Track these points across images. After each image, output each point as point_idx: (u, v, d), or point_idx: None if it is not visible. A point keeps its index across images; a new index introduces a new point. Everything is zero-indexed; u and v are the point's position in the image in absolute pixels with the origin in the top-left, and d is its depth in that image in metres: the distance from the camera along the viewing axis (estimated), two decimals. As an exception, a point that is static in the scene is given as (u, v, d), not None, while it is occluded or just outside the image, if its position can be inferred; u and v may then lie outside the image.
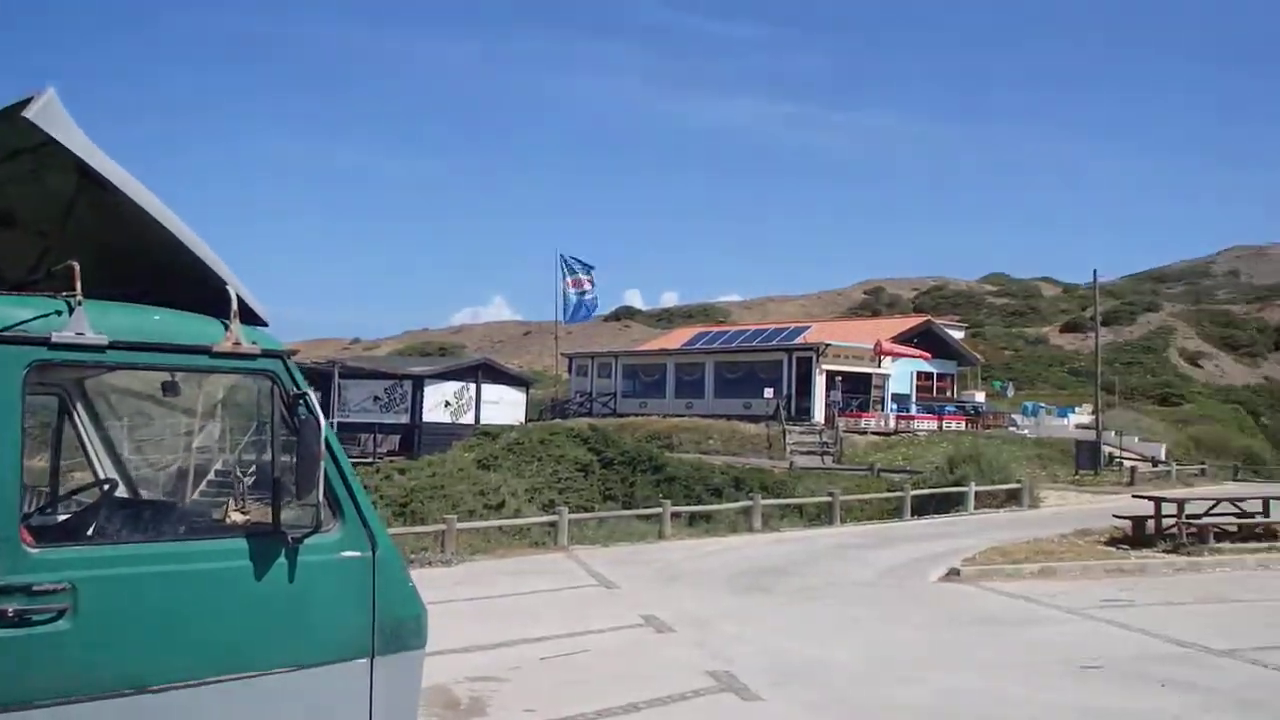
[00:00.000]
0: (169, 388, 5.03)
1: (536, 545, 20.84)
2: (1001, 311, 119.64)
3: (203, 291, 4.47)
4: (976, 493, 30.15)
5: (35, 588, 3.78)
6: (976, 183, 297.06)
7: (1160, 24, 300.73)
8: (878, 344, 53.10)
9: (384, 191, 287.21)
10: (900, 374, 56.53)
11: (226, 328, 4.42)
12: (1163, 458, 50.34)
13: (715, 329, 74.20)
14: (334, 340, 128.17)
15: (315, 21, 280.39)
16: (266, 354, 4.53)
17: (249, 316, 4.55)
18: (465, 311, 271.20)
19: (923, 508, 29.58)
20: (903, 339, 57.31)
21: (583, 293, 60.58)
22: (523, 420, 46.49)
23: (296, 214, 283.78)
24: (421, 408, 48.22)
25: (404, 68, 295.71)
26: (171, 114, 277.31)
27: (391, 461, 35.12)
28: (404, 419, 48.30)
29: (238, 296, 4.45)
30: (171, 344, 4.33)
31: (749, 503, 25.94)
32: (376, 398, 48.57)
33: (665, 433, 46.92)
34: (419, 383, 48.93)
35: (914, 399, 56.99)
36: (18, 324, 3.92)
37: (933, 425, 52.45)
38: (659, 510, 23.77)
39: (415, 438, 46.34)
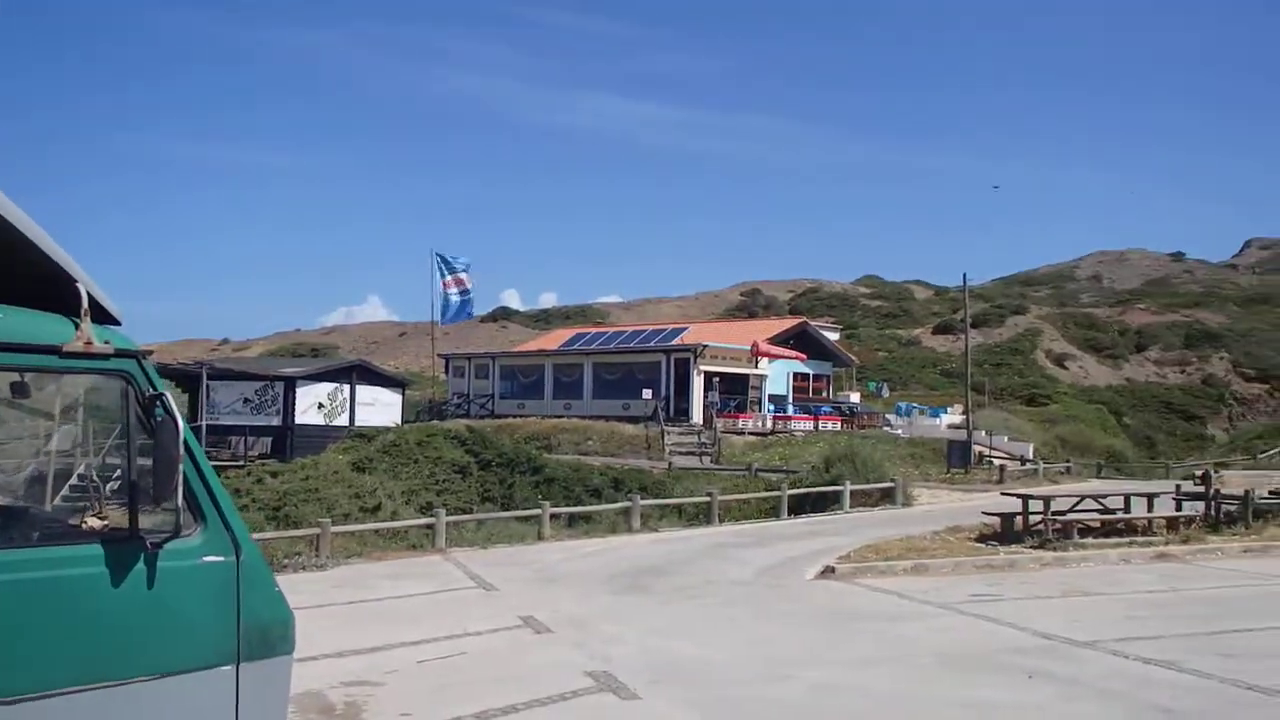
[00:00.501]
0: (18, 389, 4.84)
1: (414, 548, 20.62)
2: (875, 314, 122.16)
3: (50, 289, 4.29)
4: (852, 491, 30.63)
5: None
6: (849, 186, 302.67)
7: (1021, 20, 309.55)
8: (754, 345, 53.62)
9: (254, 187, 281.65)
10: (777, 375, 57.22)
11: (77, 326, 4.24)
12: (1030, 456, 51.70)
13: (594, 330, 74.31)
14: (202, 341, 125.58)
15: (168, 7, 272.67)
16: (120, 354, 4.39)
17: (101, 315, 4.39)
18: (339, 312, 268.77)
19: (799, 507, 29.96)
20: (779, 340, 58.00)
21: (461, 292, 59.93)
22: (399, 422, 45.86)
23: (162, 209, 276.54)
24: (294, 410, 47.32)
25: (267, 58, 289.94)
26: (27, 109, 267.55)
27: (263, 464, 34.36)
28: (275, 421, 47.40)
29: (88, 294, 4.28)
30: (17, 344, 4.17)
31: (628, 503, 25.99)
32: (247, 399, 47.51)
33: (544, 434, 46.79)
34: (291, 384, 48.02)
35: (790, 400, 57.74)
36: None
37: (809, 426, 53.12)
38: (538, 511, 23.68)
39: (288, 440, 45.53)
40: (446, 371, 66.18)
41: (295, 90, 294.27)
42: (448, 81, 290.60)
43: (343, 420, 48.03)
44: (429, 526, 21.41)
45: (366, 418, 47.46)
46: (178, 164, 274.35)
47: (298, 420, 47.07)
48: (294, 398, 47.52)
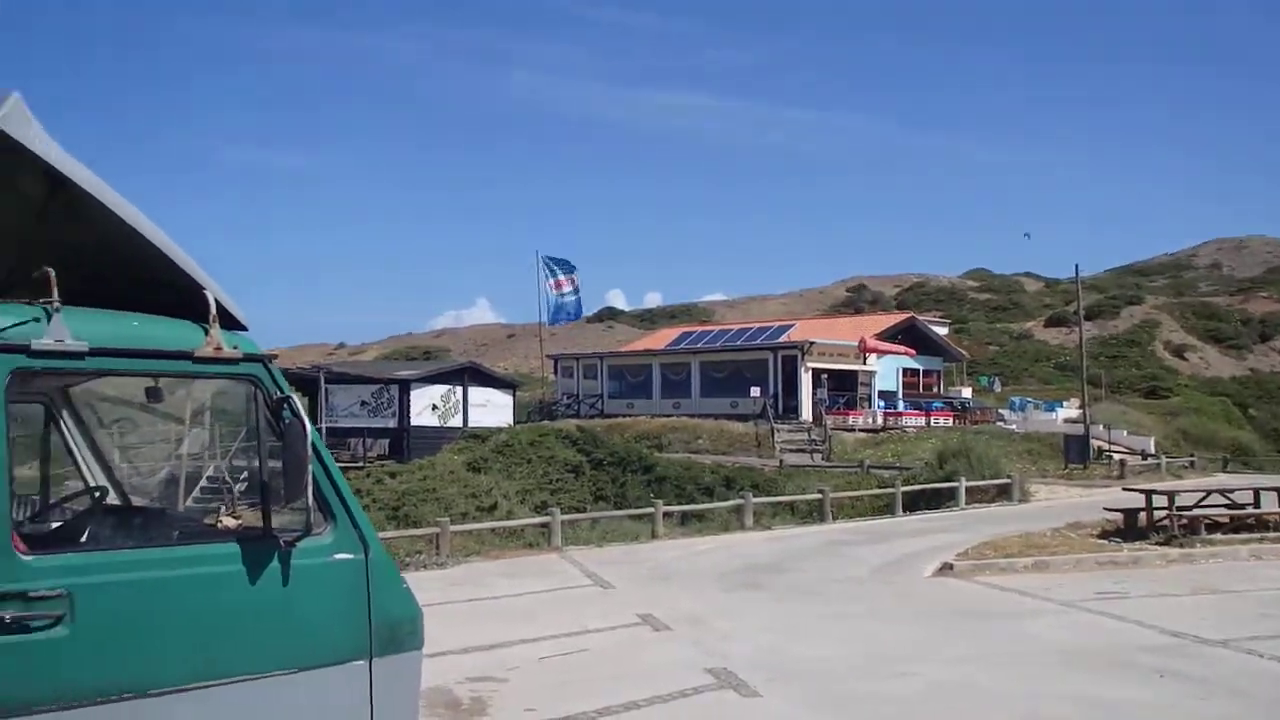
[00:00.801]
0: (153, 394, 5.02)
1: (530, 546, 20.83)
2: (984, 307, 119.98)
3: (180, 297, 4.41)
4: (967, 488, 30.15)
5: (31, 594, 3.76)
6: (954, 180, 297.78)
7: (1134, 21, 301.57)
8: (862, 341, 53.16)
9: (364, 195, 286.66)
10: (886, 371, 56.60)
11: (206, 332, 4.36)
12: (1152, 450, 50.38)
13: (700, 329, 74.26)
14: (318, 346, 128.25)
15: (274, 24, 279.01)
16: (248, 358, 4.49)
17: (228, 321, 4.50)
18: (448, 315, 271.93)
19: (913, 504, 29.58)
20: (887, 336, 57.40)
21: (566, 294, 60.37)
22: (511, 422, 46.38)
23: (276, 220, 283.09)
24: (409, 412, 48.07)
25: (362, 69, 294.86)
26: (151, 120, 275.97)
27: (381, 465, 35.03)
28: (391, 423, 48.20)
29: (216, 301, 4.39)
30: (152, 350, 4.30)
31: (740, 501, 25.93)
32: (364, 402, 48.42)
33: (654, 433, 46.92)
34: (405, 387, 48.80)
35: (901, 396, 57.03)
36: None
37: (921, 422, 52.44)
38: (651, 510, 23.74)
39: (404, 441, 46.25)
40: (555, 372, 66.69)
41: (394, 97, 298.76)
42: (527, 83, 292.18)
43: (456, 421, 48.64)
44: (544, 525, 21.61)
45: (479, 418, 48.03)
46: (287, 173, 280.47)
47: (413, 422, 47.79)
48: (409, 400, 48.26)
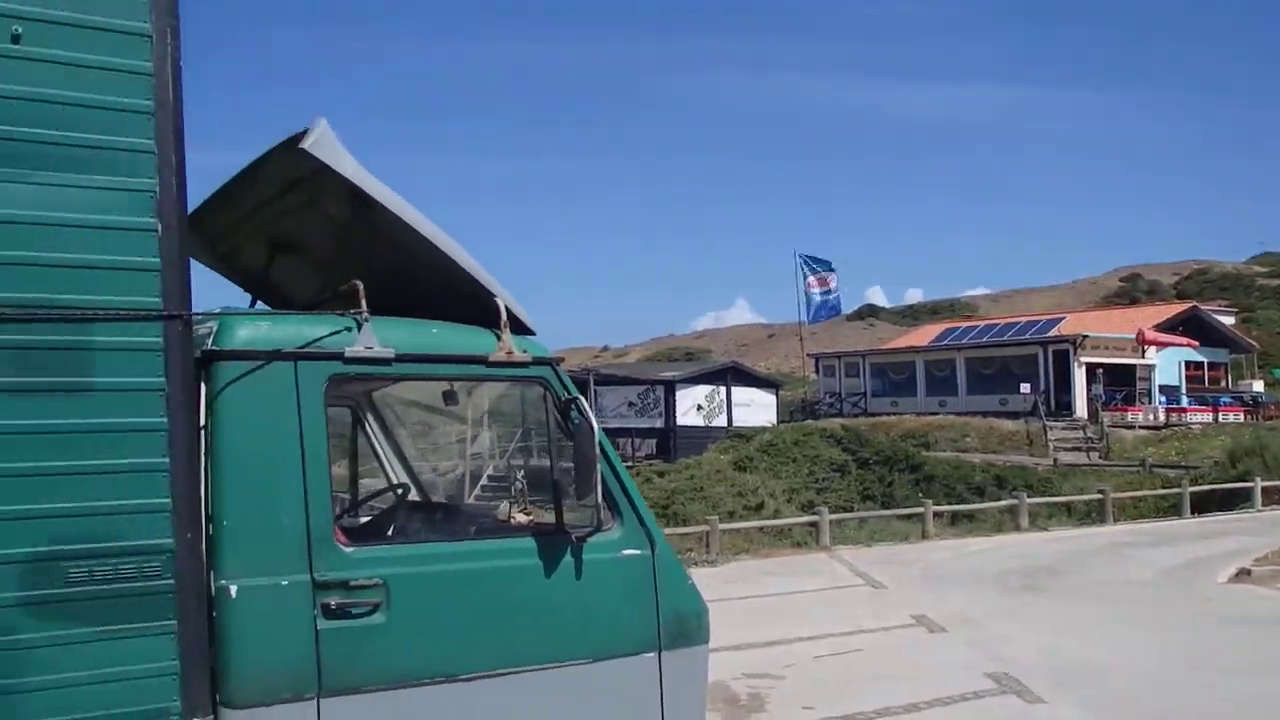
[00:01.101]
0: (449, 397, 5.34)
1: (798, 546, 20.89)
2: (1276, 294, 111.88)
3: (471, 304, 4.65)
4: (1263, 488, 28.19)
5: (352, 583, 4.07)
6: (1236, 159, 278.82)
7: None
8: (1140, 333, 50.49)
9: (622, 198, 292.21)
10: (1166, 364, 53.55)
11: (498, 338, 4.57)
12: None
13: (964, 324, 72.20)
14: (584, 349, 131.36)
15: (560, 42, 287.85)
16: (537, 361, 4.70)
17: (517, 326, 4.71)
18: (708, 316, 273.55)
19: (1202, 505, 27.98)
20: (1166, 327, 54.30)
21: (825, 292, 59.96)
22: (774, 422, 46.43)
23: (542, 224, 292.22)
24: (674, 412, 48.81)
25: (616, 73, 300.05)
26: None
27: (650, 465, 35.76)
28: (658, 423, 49.04)
29: (506, 308, 4.61)
30: (450, 355, 4.56)
31: (1014, 501, 25.26)
32: (631, 403, 49.47)
33: (919, 431, 45.97)
34: (671, 387, 49.59)
35: (1184, 390, 53.86)
36: (315, 341, 4.22)
37: (1207, 418, 49.40)
38: (920, 510, 23.46)
39: (670, 441, 46.97)
40: (816, 371, 66.24)
41: (645, 99, 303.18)
42: (788, 83, 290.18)
43: (720, 421, 49.08)
44: (812, 524, 21.61)
45: (743, 418, 48.30)
46: (549, 180, 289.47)
47: (679, 421, 48.50)
48: (674, 400, 49.02)
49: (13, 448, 3.49)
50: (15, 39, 3.56)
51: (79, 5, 3.66)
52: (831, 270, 60.18)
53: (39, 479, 3.52)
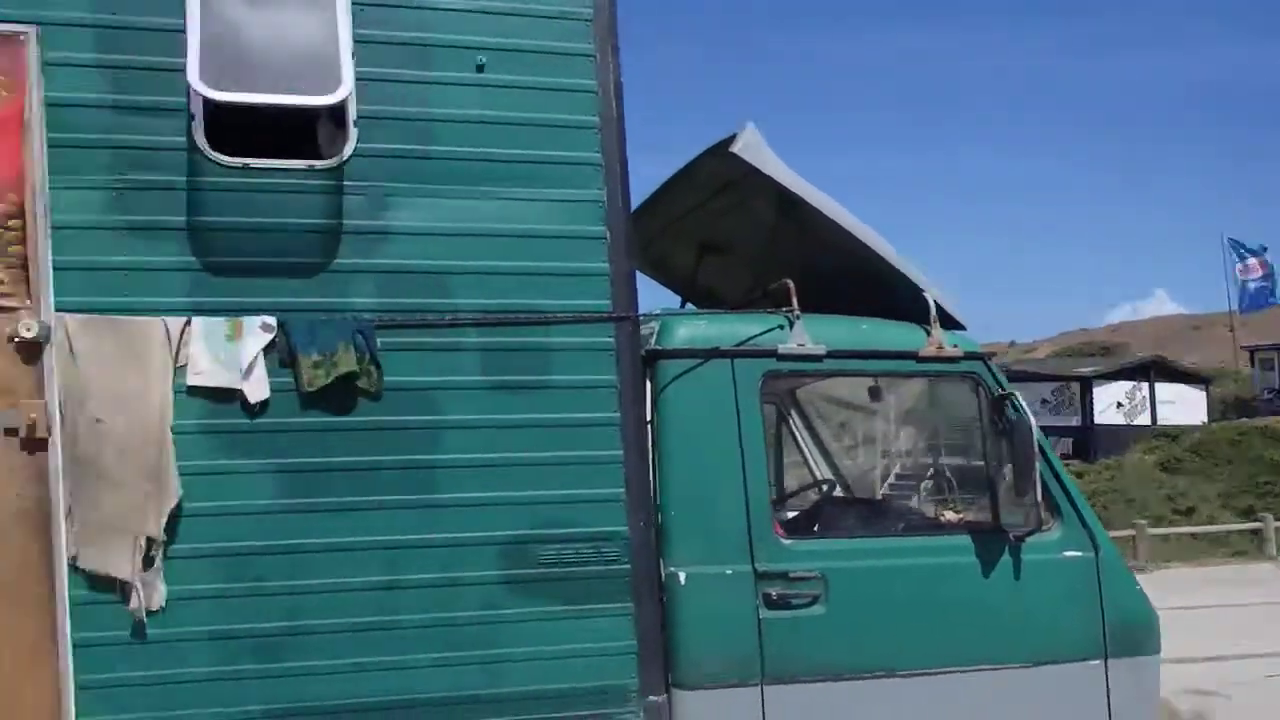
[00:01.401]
0: (874, 393, 5.35)
1: (1237, 555, 19.44)
2: None
3: (897, 299, 4.64)
4: None
5: (791, 575, 4.17)
6: None
7: None
8: None
9: (1029, 188, 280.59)
10: None
11: (928, 333, 4.53)
12: None
13: None
14: (988, 344, 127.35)
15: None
16: (969, 356, 4.64)
17: (946, 321, 4.65)
18: (1123, 308, 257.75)
19: None
20: None
21: (1257, 278, 55.11)
22: (1204, 420, 43.27)
23: (939, 220, 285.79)
24: (1092, 410, 46.52)
25: (1009, 64, 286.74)
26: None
27: (1067, 465, 34.26)
28: (1074, 421, 46.86)
29: (935, 302, 4.55)
30: (880, 350, 4.58)
31: None
32: (1044, 400, 47.49)
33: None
34: (1087, 384, 47.36)
35: None
36: (750, 339, 4.35)
37: None
38: (1389, 518, 21.06)
39: (1088, 440, 44.82)
40: (1251, 364, 61.04)
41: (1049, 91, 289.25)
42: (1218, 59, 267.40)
43: (1143, 419, 46.30)
44: (1254, 532, 20.13)
45: (1167, 416, 45.39)
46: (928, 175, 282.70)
47: (1097, 420, 46.21)
48: (1091, 398, 46.75)
49: (489, 440, 3.85)
50: (479, 69, 3.93)
51: (530, 33, 3.99)
52: (1264, 253, 55.29)
53: (511, 469, 3.87)
